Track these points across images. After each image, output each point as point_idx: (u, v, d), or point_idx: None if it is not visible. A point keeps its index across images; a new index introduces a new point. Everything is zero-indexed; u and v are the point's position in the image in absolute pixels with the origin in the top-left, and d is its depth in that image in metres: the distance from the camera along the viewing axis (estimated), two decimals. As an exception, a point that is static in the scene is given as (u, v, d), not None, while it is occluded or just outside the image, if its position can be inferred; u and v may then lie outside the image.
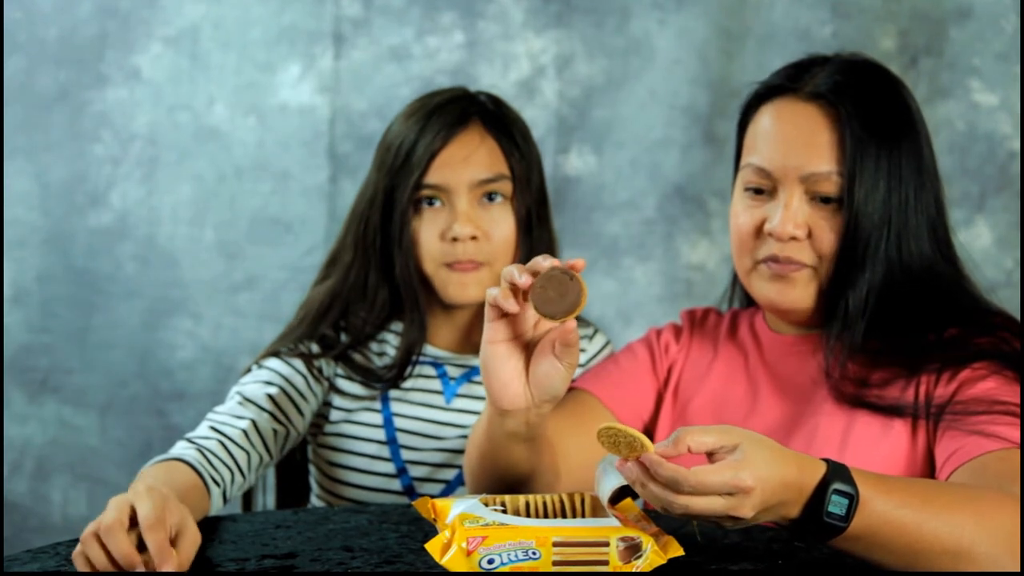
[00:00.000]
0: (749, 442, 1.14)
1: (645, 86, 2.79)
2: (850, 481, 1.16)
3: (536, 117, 2.77)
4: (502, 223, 1.72)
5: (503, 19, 2.82)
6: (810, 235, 1.47)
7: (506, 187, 1.73)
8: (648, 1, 2.77)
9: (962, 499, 1.23)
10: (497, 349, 1.31)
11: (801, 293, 1.49)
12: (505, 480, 1.44)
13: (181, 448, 1.53)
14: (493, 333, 1.30)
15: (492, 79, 2.78)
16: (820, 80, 1.49)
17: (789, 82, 1.51)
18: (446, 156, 1.71)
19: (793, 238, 1.46)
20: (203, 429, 1.59)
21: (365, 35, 2.88)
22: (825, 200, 1.46)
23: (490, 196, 1.72)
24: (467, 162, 1.71)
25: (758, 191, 1.50)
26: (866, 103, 1.47)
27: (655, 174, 2.79)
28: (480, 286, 1.72)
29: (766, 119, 1.51)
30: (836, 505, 1.15)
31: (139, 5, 2.94)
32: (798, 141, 1.47)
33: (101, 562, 1.19)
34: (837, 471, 1.17)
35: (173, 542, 1.24)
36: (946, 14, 2.65)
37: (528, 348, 1.32)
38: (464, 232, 1.69)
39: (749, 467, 1.12)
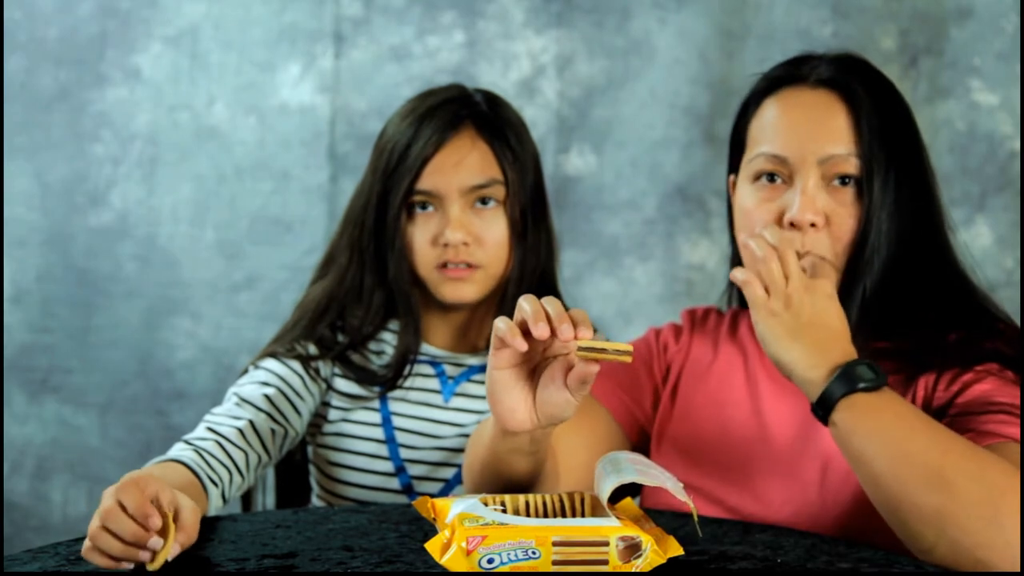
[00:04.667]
0: None
1: (646, 86, 2.79)
2: (879, 370, 1.31)
3: (536, 117, 2.77)
4: (495, 227, 1.72)
5: (503, 18, 2.82)
6: (829, 223, 1.45)
7: (499, 191, 1.72)
8: (649, 1, 2.77)
9: (963, 439, 1.27)
10: (503, 375, 1.27)
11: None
12: (507, 487, 1.44)
13: (178, 450, 1.53)
14: (498, 360, 1.26)
15: (492, 78, 2.78)
16: (823, 69, 1.49)
17: (792, 71, 1.51)
18: (438, 162, 1.70)
19: (812, 225, 1.44)
20: (200, 431, 1.59)
21: (365, 34, 2.88)
22: (843, 182, 1.45)
23: (483, 201, 1.71)
24: (459, 167, 1.70)
25: (772, 178, 1.47)
26: (873, 91, 1.47)
27: (655, 174, 2.79)
28: (474, 286, 1.72)
29: (772, 110, 1.50)
30: (868, 366, 1.30)
31: (139, 5, 2.94)
32: (813, 124, 1.46)
33: (116, 548, 1.22)
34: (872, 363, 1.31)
35: (174, 519, 1.27)
36: (946, 14, 2.65)
37: (534, 372, 1.28)
38: (456, 238, 1.69)
39: None
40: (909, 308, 1.47)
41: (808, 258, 1.42)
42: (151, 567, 1.22)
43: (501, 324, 1.23)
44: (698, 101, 2.76)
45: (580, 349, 1.18)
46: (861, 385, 1.28)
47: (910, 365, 1.44)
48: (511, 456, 1.37)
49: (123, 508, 1.23)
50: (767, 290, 1.35)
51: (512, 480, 1.43)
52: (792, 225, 1.45)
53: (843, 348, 1.32)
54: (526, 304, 1.23)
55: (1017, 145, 2.62)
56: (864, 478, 1.25)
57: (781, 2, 2.72)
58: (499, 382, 1.27)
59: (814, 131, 1.46)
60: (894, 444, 1.23)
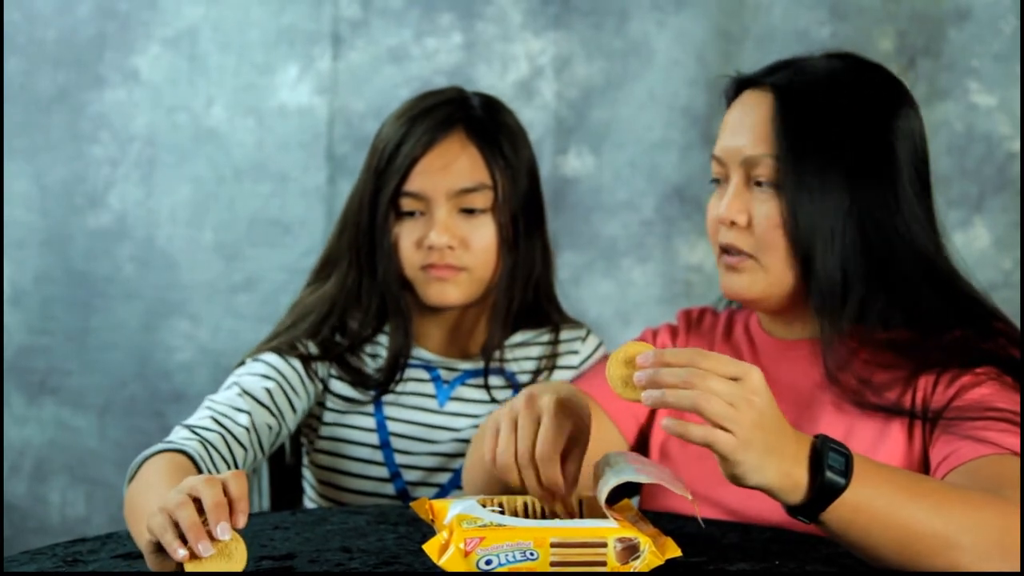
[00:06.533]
0: None
1: (644, 87, 2.79)
2: (841, 445, 1.20)
3: (534, 118, 2.77)
4: (482, 232, 1.71)
5: (502, 20, 2.83)
6: (751, 223, 1.47)
7: (487, 196, 1.71)
8: (647, 2, 2.77)
9: (950, 489, 1.25)
10: None
11: (746, 283, 1.49)
12: (512, 488, 1.45)
13: (182, 438, 1.51)
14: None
15: (491, 80, 2.78)
16: (783, 73, 1.50)
17: (758, 75, 1.52)
18: (425, 164, 1.70)
19: (734, 223, 1.47)
20: (205, 420, 1.57)
21: (363, 36, 2.88)
22: (764, 188, 1.47)
23: (470, 205, 1.71)
24: (446, 170, 1.70)
25: (719, 183, 1.52)
26: (818, 94, 1.47)
27: (653, 175, 2.79)
28: (459, 288, 1.71)
29: (729, 112, 1.54)
30: (834, 461, 1.18)
31: (138, 6, 2.94)
32: (742, 127, 1.49)
33: (190, 519, 1.15)
34: (828, 438, 1.20)
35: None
36: (945, 15, 2.65)
37: None
38: (440, 241, 1.68)
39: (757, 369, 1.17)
40: (902, 305, 1.46)
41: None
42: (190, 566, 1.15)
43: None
44: (696, 102, 2.76)
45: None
46: (840, 482, 1.18)
47: (909, 363, 1.44)
48: None
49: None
50: (724, 428, 1.15)
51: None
52: (720, 222, 1.49)
53: (793, 433, 1.20)
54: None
55: (1015, 146, 2.62)
56: (867, 559, 1.23)
57: (779, 4, 2.72)
58: None
59: (742, 132, 1.49)
60: (894, 528, 1.20)
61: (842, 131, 1.46)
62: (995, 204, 2.64)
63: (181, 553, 1.14)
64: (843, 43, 2.59)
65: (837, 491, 1.18)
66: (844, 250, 1.44)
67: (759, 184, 1.47)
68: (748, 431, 1.15)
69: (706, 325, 1.67)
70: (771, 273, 1.48)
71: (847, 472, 1.18)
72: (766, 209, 1.46)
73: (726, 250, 1.50)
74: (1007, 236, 2.63)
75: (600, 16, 2.80)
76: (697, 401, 1.14)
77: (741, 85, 1.54)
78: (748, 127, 1.48)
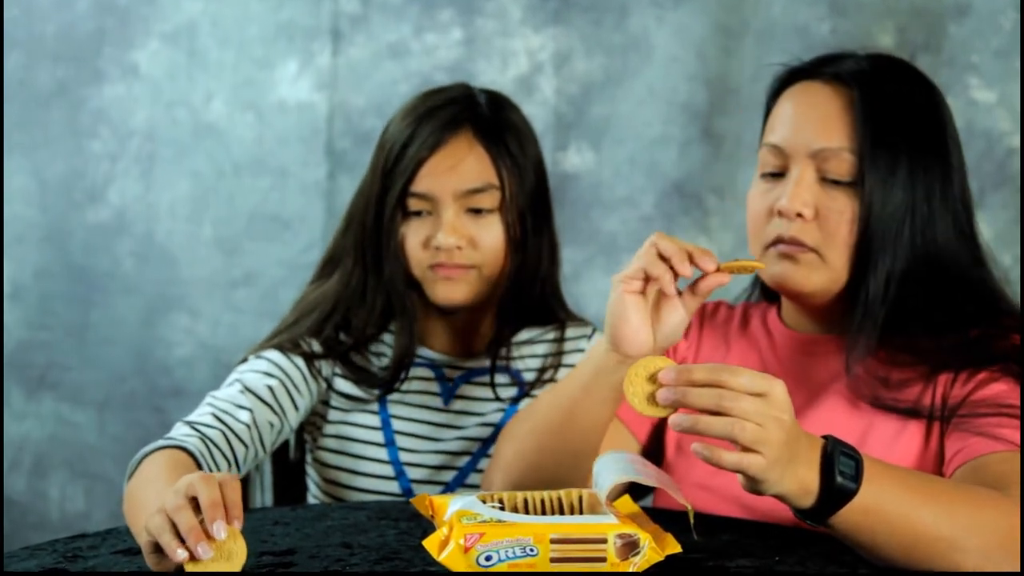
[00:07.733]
0: None
1: (643, 83, 2.79)
2: (851, 448, 1.20)
3: (534, 114, 2.76)
4: (490, 231, 1.71)
5: (501, 16, 2.82)
6: (818, 216, 1.45)
7: (494, 196, 1.70)
8: (646, -2, 2.78)
9: (958, 490, 1.25)
10: (634, 298, 1.38)
11: (805, 275, 1.45)
12: (572, 447, 1.48)
13: (183, 434, 1.51)
14: (630, 285, 1.38)
15: (490, 76, 2.78)
16: (844, 66, 1.48)
17: (813, 67, 1.51)
18: (433, 165, 1.69)
19: (800, 216, 1.44)
20: (206, 416, 1.57)
21: (363, 31, 2.87)
22: (836, 182, 1.44)
23: (478, 205, 1.71)
24: (453, 171, 1.69)
25: (773, 174, 1.48)
26: (887, 90, 1.46)
27: (653, 171, 2.79)
28: (467, 287, 1.71)
29: (786, 102, 1.50)
30: (845, 466, 1.18)
31: (137, 1, 2.94)
32: (811, 118, 1.46)
33: (189, 522, 1.15)
34: (838, 441, 1.20)
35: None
36: (944, 10, 2.65)
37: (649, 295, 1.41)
38: (448, 242, 1.68)
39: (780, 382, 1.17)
40: (931, 303, 1.45)
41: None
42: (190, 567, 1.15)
43: (655, 268, 1.36)
44: (696, 98, 2.76)
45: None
46: (851, 487, 1.18)
47: (930, 365, 1.43)
48: (608, 395, 1.44)
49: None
50: (755, 450, 1.15)
51: (586, 435, 1.47)
52: (781, 215, 1.45)
53: (806, 437, 1.19)
54: (667, 245, 1.35)
55: (1015, 142, 2.62)
56: (872, 558, 1.24)
57: (779, -1, 2.72)
58: (630, 303, 1.38)
59: (812, 124, 1.46)
60: (901, 531, 1.20)
61: (911, 128, 1.45)
62: (995, 200, 2.64)
63: (181, 555, 1.13)
64: (843, 39, 2.59)
65: (848, 496, 1.18)
66: (897, 249, 1.43)
67: (828, 178, 1.45)
68: (777, 450, 1.14)
69: (721, 318, 1.65)
70: (832, 268, 1.45)
71: (857, 476, 1.18)
72: (839, 204, 1.44)
73: (780, 240, 1.46)
74: (1007, 232, 2.63)
75: (599, 12, 2.80)
76: (732, 430, 1.14)
77: (795, 76, 1.52)
78: (818, 119, 1.45)
